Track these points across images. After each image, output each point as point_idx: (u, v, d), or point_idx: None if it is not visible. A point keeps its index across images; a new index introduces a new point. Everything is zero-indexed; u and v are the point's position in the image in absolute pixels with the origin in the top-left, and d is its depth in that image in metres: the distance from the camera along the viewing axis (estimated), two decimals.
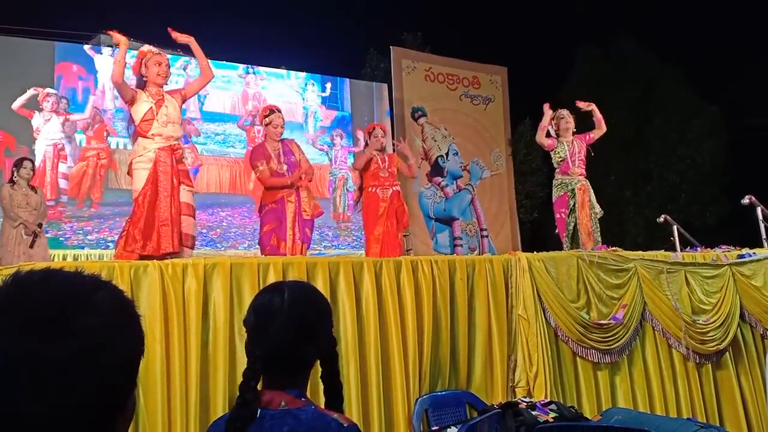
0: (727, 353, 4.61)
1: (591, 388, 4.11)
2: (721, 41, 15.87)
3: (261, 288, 3.01)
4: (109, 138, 8.97)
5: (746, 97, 15.36)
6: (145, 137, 4.04)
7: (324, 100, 10.86)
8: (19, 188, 5.78)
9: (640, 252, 4.82)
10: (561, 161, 5.57)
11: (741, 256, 5.04)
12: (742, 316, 4.75)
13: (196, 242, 4.42)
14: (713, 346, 4.48)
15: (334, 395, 1.43)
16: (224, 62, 10.04)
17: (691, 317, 4.50)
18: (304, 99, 10.68)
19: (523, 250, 4.46)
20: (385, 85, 11.15)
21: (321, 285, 3.32)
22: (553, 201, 5.64)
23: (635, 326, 4.32)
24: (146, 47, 4.27)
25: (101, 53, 9.20)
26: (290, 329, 1.38)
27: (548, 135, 5.69)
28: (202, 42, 4.37)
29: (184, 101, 4.34)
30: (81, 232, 8.50)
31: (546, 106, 5.72)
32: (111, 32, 4.18)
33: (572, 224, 5.43)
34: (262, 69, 10.47)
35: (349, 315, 3.43)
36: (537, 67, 15.82)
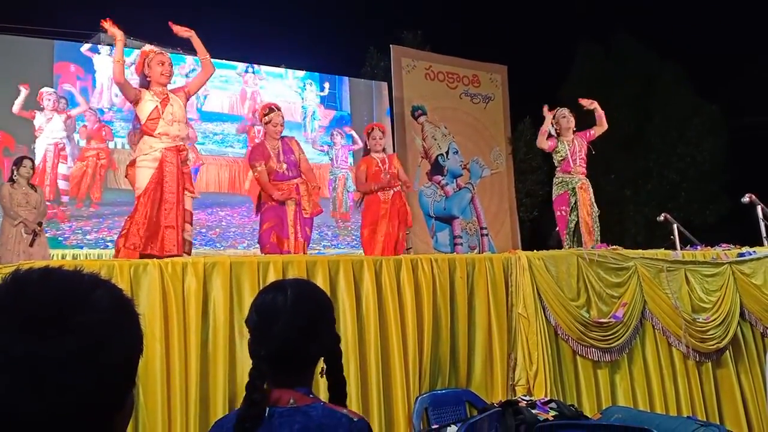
0: (727, 351, 4.61)
1: (591, 387, 4.11)
2: (721, 39, 15.86)
3: (261, 287, 2.99)
4: (107, 138, 8.97)
5: (746, 95, 15.36)
6: (152, 136, 4.00)
7: (322, 100, 10.86)
8: (18, 187, 5.78)
9: (640, 250, 4.83)
10: (562, 160, 5.57)
11: (741, 255, 5.04)
12: (742, 314, 4.75)
13: (195, 242, 4.41)
14: (713, 345, 4.48)
15: (339, 391, 1.43)
16: (223, 62, 10.03)
17: (691, 315, 4.50)
18: (303, 99, 10.67)
19: (523, 249, 4.47)
20: (385, 84, 11.14)
21: (321, 283, 3.31)
22: (554, 199, 5.64)
23: (635, 325, 4.32)
24: (148, 47, 4.26)
25: (99, 53, 9.20)
26: (294, 328, 1.38)
27: (549, 136, 5.68)
28: (202, 40, 4.36)
29: (188, 99, 4.31)
30: (80, 231, 8.50)
31: (545, 110, 5.70)
32: (105, 24, 4.13)
33: (573, 222, 5.43)
34: (260, 68, 10.47)
35: (349, 314, 3.43)
36: (537, 66, 15.81)
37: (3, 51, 8.45)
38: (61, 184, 8.50)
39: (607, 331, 4.17)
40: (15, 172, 5.81)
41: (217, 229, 9.47)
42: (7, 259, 5.24)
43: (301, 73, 10.83)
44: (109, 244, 8.23)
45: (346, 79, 11.33)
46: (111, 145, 9.00)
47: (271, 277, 3.23)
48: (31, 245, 5.61)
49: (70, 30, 10.01)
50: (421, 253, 7.90)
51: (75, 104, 8.79)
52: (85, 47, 9.18)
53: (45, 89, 8.34)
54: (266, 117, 4.91)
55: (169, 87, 4.30)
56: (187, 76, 9.21)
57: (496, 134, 11.10)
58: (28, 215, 5.69)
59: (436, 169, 10.26)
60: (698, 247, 5.52)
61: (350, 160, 10.61)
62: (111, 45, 9.87)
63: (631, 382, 4.27)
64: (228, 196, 9.75)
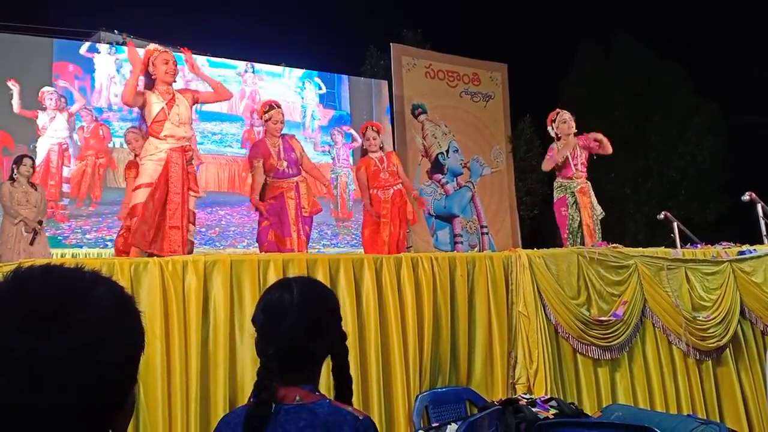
0: (728, 350, 4.61)
1: (591, 385, 4.11)
2: (721, 38, 15.85)
3: (262, 285, 2.99)
4: (106, 137, 8.96)
5: (746, 94, 15.36)
6: (157, 138, 3.99)
7: (321, 99, 10.85)
8: (19, 185, 5.78)
9: (640, 249, 4.82)
10: (562, 165, 5.56)
11: (741, 253, 5.04)
12: (742, 312, 4.75)
13: (195, 241, 4.40)
14: (713, 343, 4.48)
15: (345, 390, 1.44)
16: (223, 61, 10.02)
17: (692, 314, 4.49)
18: (303, 98, 10.67)
19: (524, 247, 4.47)
20: (385, 82, 11.14)
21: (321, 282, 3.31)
22: (554, 202, 5.65)
23: (635, 323, 4.32)
24: (152, 46, 4.24)
25: (99, 52, 9.19)
26: (301, 326, 1.38)
27: (553, 139, 5.70)
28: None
29: (194, 103, 4.28)
30: (79, 231, 8.49)
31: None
32: (131, 47, 4.13)
33: (576, 223, 5.43)
34: (260, 67, 10.45)
35: (350, 312, 3.42)
36: (537, 64, 15.82)
37: (2, 50, 8.44)
38: (65, 187, 8.50)
39: (608, 330, 4.17)
40: (15, 171, 5.81)
41: (217, 228, 9.47)
42: (7, 257, 5.25)
43: (300, 73, 10.81)
44: (108, 243, 8.23)
45: (345, 77, 11.31)
46: (110, 144, 8.99)
47: (272, 276, 3.23)
48: (31, 244, 5.62)
49: (69, 29, 10.01)
50: (422, 251, 7.90)
51: (73, 102, 8.79)
52: (83, 48, 9.17)
53: (46, 88, 8.34)
54: (266, 114, 4.91)
55: (178, 87, 4.27)
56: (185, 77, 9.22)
57: (496, 133, 11.09)
58: (28, 214, 5.69)
59: (437, 167, 10.26)
60: (698, 245, 5.52)
61: (351, 159, 10.61)
62: (110, 44, 9.88)
63: (632, 380, 4.27)
64: (227, 195, 9.75)
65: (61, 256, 7.65)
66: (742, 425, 4.43)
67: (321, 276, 3.39)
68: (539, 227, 12.85)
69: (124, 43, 10.56)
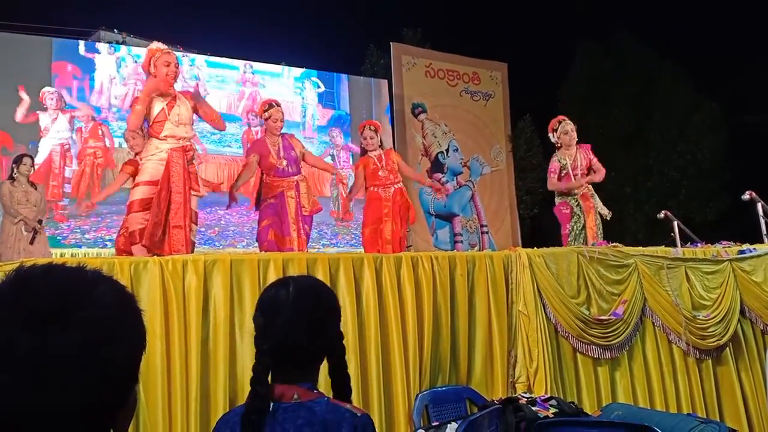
0: (728, 349, 4.61)
1: (591, 384, 4.11)
2: (721, 37, 15.85)
3: (262, 284, 2.99)
4: (105, 136, 8.96)
5: (746, 92, 15.36)
6: (158, 138, 3.99)
7: (320, 99, 10.84)
8: (19, 185, 5.78)
9: (640, 248, 4.82)
10: (563, 173, 5.56)
11: (741, 252, 5.04)
12: (742, 311, 4.75)
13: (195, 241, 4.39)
14: (713, 342, 4.48)
15: (343, 388, 1.44)
16: (222, 61, 10.02)
17: (692, 313, 4.50)
18: (303, 98, 10.66)
19: (524, 246, 4.47)
20: (385, 81, 11.14)
21: None
22: (555, 206, 5.66)
23: (635, 322, 4.32)
24: (155, 45, 4.22)
25: (99, 52, 9.18)
26: (295, 322, 1.39)
27: (554, 144, 5.70)
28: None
29: (194, 112, 4.26)
30: (79, 230, 8.49)
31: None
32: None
33: (580, 225, 5.43)
34: (260, 67, 10.44)
35: (350, 311, 3.43)
36: (537, 63, 15.82)
37: (1, 49, 8.43)
38: (66, 188, 8.50)
39: (608, 329, 4.17)
40: (15, 170, 5.81)
41: (216, 228, 9.47)
42: (7, 256, 5.25)
43: (299, 73, 10.80)
44: (107, 243, 8.23)
45: (344, 77, 11.31)
46: (108, 143, 8.98)
47: (272, 275, 3.23)
48: (31, 243, 5.62)
49: (69, 28, 10.00)
50: (422, 250, 7.90)
51: (72, 105, 8.78)
52: (83, 48, 9.16)
53: (46, 89, 8.33)
54: (266, 113, 4.91)
55: (182, 88, 4.25)
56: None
57: (496, 132, 11.10)
58: (28, 213, 5.69)
59: (437, 166, 10.26)
60: (698, 244, 5.52)
61: (351, 160, 10.60)
62: (110, 43, 9.87)
63: (632, 379, 4.27)
64: (227, 194, 9.72)
65: (61, 255, 7.65)
66: (741, 424, 4.43)
67: (321, 275, 3.39)
68: (539, 226, 12.85)
69: (124, 42, 10.56)
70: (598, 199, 5.58)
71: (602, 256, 4.39)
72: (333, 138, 10.68)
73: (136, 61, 9.15)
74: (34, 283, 0.66)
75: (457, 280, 3.87)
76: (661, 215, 6.33)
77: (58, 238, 8.19)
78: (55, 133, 8.32)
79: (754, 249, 5.11)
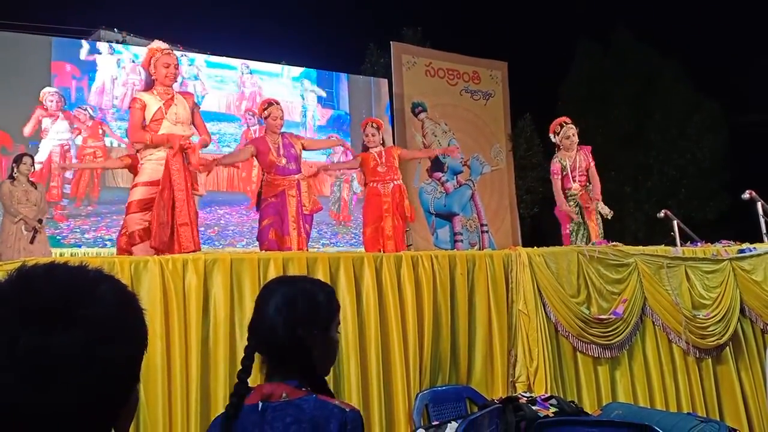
0: (727, 348, 4.61)
1: (591, 383, 4.11)
2: (721, 36, 15.85)
3: (262, 283, 3.00)
4: (105, 137, 8.95)
5: (746, 92, 15.36)
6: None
7: (320, 99, 10.84)
8: (19, 184, 5.78)
9: (640, 247, 4.82)
10: (563, 175, 5.56)
11: (741, 251, 5.04)
12: (742, 310, 4.75)
13: None
14: (713, 341, 4.49)
15: (321, 389, 1.43)
16: (221, 61, 10.01)
17: (692, 312, 4.50)
18: (303, 98, 10.65)
19: (524, 246, 4.47)
20: (385, 81, 11.13)
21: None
22: (555, 207, 5.66)
23: (635, 321, 4.32)
24: (155, 44, 4.21)
25: (100, 53, 9.17)
26: (280, 318, 1.39)
27: (555, 146, 5.70)
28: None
29: (192, 112, 4.27)
30: (78, 230, 8.48)
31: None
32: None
33: (582, 227, 5.44)
34: (259, 67, 10.43)
35: (350, 310, 3.43)
36: (537, 62, 15.82)
37: (1, 48, 8.41)
38: (66, 189, 8.50)
39: (608, 328, 4.17)
40: (15, 170, 5.81)
41: (216, 228, 9.46)
42: (7, 256, 5.25)
43: (298, 73, 10.78)
44: (107, 242, 8.23)
45: (344, 77, 11.30)
46: (108, 143, 8.97)
47: (272, 274, 3.23)
48: (31, 242, 5.62)
49: (68, 27, 10.00)
50: (422, 249, 7.90)
51: (71, 105, 8.76)
52: (84, 52, 9.13)
53: (47, 89, 8.31)
54: (265, 111, 4.92)
55: (180, 89, 4.26)
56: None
57: (496, 131, 11.09)
58: (28, 212, 5.69)
59: (437, 165, 10.25)
60: (698, 243, 5.52)
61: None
62: (110, 42, 9.87)
63: (632, 378, 4.27)
64: (226, 194, 9.74)
65: (60, 255, 7.65)
66: (741, 423, 4.43)
67: (321, 274, 3.39)
68: (539, 225, 12.85)
69: (124, 42, 10.55)
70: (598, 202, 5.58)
71: (602, 256, 4.39)
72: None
73: (134, 62, 9.15)
74: (36, 282, 0.66)
75: (457, 280, 3.87)
76: (661, 214, 6.34)
77: (57, 237, 8.19)
78: (54, 134, 8.32)
79: (754, 248, 5.11)
